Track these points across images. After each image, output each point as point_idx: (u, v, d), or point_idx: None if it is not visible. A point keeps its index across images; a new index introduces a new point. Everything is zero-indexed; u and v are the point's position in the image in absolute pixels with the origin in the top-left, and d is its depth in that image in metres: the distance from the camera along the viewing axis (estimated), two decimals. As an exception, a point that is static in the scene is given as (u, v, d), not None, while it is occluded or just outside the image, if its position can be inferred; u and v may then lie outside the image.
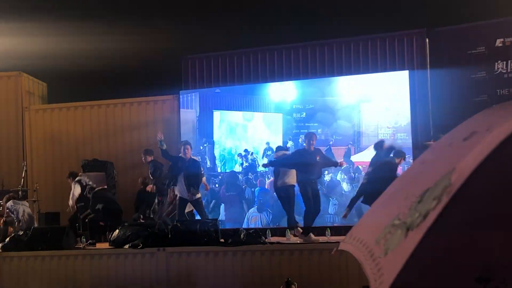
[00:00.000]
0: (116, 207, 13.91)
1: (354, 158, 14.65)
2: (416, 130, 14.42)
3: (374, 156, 12.37)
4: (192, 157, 13.12)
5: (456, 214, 2.01)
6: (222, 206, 15.15)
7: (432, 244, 2.00)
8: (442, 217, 1.98)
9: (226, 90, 15.94)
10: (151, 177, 13.82)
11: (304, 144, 12.37)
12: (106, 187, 14.41)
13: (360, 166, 14.42)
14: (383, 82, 14.60)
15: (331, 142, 14.76)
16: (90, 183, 13.97)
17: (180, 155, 12.95)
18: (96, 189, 13.86)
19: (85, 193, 13.79)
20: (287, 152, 13.07)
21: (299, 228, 11.84)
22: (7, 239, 12.07)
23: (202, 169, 13.72)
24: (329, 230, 11.32)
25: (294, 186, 12.00)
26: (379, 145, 12.48)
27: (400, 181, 2.79)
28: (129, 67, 17.67)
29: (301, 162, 11.71)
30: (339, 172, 14.45)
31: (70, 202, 13.89)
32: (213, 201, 15.12)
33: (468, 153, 2.04)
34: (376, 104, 14.65)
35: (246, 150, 15.36)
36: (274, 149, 13.96)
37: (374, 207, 2.75)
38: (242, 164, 15.29)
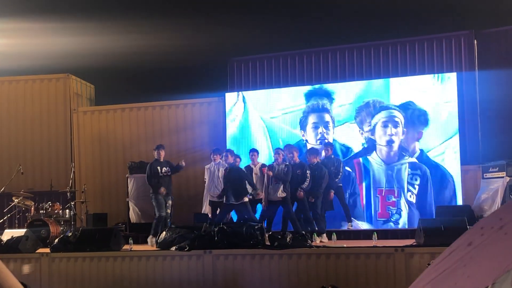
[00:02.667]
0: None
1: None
2: (464, 134, 14.27)
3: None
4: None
5: None
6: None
7: None
8: None
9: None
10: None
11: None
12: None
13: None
14: (430, 84, 14.44)
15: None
16: None
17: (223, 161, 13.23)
18: None
19: None
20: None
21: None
22: (56, 240, 12.23)
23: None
24: (375, 234, 11.26)
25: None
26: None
27: (445, 263, 2.68)
28: (175, 68, 17.79)
29: None
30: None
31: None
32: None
33: None
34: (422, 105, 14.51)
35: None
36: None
37: None
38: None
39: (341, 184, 13.74)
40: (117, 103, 17.03)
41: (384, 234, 13.25)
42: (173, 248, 11.33)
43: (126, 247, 12.04)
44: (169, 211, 13.39)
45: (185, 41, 17.12)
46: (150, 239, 12.87)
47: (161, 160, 13.52)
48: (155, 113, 16.59)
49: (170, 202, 13.48)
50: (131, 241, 12.10)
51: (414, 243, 10.84)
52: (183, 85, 18.24)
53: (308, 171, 12.72)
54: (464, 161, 14.10)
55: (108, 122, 16.84)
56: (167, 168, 13.46)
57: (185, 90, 17.55)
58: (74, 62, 17.31)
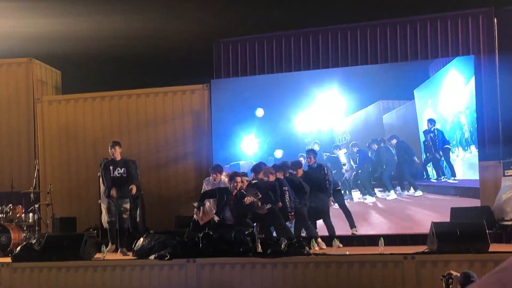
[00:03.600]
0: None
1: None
2: (483, 122, 14.32)
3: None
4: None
5: None
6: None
7: None
8: None
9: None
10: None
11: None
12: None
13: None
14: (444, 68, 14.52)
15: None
16: None
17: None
18: None
19: None
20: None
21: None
22: (19, 247, 12.19)
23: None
24: (382, 240, 11.26)
25: None
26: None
27: None
28: (154, 53, 17.74)
29: None
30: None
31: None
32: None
33: None
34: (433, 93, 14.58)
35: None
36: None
37: None
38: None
39: (339, 188, 13.96)
40: (87, 91, 16.97)
41: (392, 239, 13.28)
42: (152, 257, 11.32)
43: (98, 255, 12.01)
44: (126, 216, 13.21)
45: (163, 21, 17.06)
46: (119, 251, 12.82)
47: (117, 159, 13.38)
48: (131, 102, 16.53)
49: (126, 206, 13.32)
50: (104, 248, 12.08)
51: (426, 250, 10.85)
52: (163, 71, 18.20)
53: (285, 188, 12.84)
54: (482, 156, 14.14)
55: (77, 113, 16.77)
56: (123, 170, 13.30)
57: (165, 76, 17.53)
58: (38, 45, 17.19)
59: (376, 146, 14.88)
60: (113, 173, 13.17)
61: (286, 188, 12.70)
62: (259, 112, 15.64)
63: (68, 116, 16.79)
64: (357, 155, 15.10)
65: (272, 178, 12.83)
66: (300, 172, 13.36)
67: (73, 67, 18.23)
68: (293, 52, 16.06)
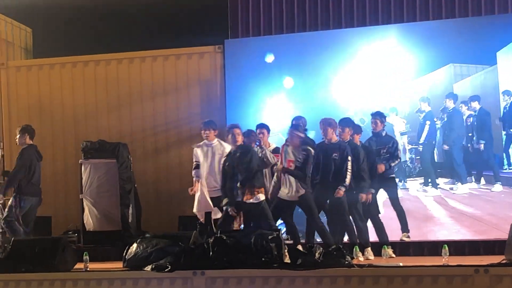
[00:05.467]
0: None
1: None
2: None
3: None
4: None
5: None
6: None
7: None
8: None
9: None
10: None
11: None
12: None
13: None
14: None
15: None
16: None
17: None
18: None
19: None
20: None
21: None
22: (-23, 255, 12.23)
23: None
24: (446, 247, 11.20)
25: None
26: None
27: None
28: (150, 4, 17.70)
29: None
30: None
31: None
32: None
33: None
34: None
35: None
36: None
37: None
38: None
39: (393, 175, 13.81)
40: (66, 55, 17.00)
41: (460, 247, 13.22)
42: (149, 268, 11.31)
43: (79, 265, 12.03)
44: None
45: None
46: None
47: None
48: (122, 69, 16.56)
49: None
50: (87, 257, 12.07)
51: (504, 261, 10.78)
52: (163, 29, 18.16)
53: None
54: None
55: (53, 83, 16.84)
56: None
57: (166, 36, 17.49)
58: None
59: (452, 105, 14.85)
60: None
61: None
62: (288, 82, 15.60)
63: (41, 86, 16.85)
64: (427, 122, 15.05)
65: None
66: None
67: (48, 23, 18.21)
68: (332, 3, 15.96)
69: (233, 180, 12.59)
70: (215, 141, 13.62)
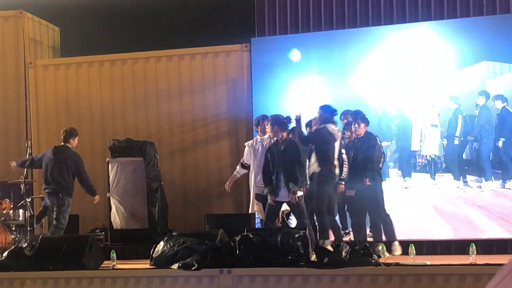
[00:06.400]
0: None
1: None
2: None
3: None
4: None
5: None
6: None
7: None
8: None
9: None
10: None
11: None
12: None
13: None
14: None
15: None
16: None
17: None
18: None
19: None
20: None
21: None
22: (5, 253, 12.24)
23: None
24: (473, 246, 11.13)
25: None
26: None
27: None
28: (178, 5, 17.70)
29: None
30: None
31: None
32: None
33: None
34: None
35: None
36: None
37: None
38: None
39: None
40: (93, 53, 17.05)
41: (488, 246, 13.14)
42: (175, 266, 11.31)
43: (106, 263, 12.05)
44: None
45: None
46: None
47: None
48: (149, 67, 16.58)
49: None
50: (114, 255, 12.10)
51: (532, 260, 10.71)
52: (191, 28, 18.15)
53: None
54: None
55: (80, 81, 16.87)
56: None
57: (192, 34, 17.48)
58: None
59: (484, 101, 14.75)
60: None
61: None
62: (315, 80, 15.56)
63: (69, 85, 16.88)
64: (461, 116, 14.96)
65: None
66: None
67: (76, 22, 18.25)
68: (360, 2, 15.93)
69: (274, 170, 12.66)
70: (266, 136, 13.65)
